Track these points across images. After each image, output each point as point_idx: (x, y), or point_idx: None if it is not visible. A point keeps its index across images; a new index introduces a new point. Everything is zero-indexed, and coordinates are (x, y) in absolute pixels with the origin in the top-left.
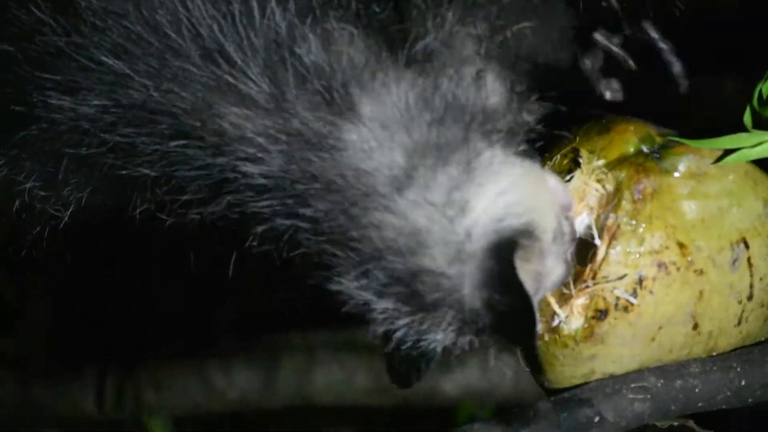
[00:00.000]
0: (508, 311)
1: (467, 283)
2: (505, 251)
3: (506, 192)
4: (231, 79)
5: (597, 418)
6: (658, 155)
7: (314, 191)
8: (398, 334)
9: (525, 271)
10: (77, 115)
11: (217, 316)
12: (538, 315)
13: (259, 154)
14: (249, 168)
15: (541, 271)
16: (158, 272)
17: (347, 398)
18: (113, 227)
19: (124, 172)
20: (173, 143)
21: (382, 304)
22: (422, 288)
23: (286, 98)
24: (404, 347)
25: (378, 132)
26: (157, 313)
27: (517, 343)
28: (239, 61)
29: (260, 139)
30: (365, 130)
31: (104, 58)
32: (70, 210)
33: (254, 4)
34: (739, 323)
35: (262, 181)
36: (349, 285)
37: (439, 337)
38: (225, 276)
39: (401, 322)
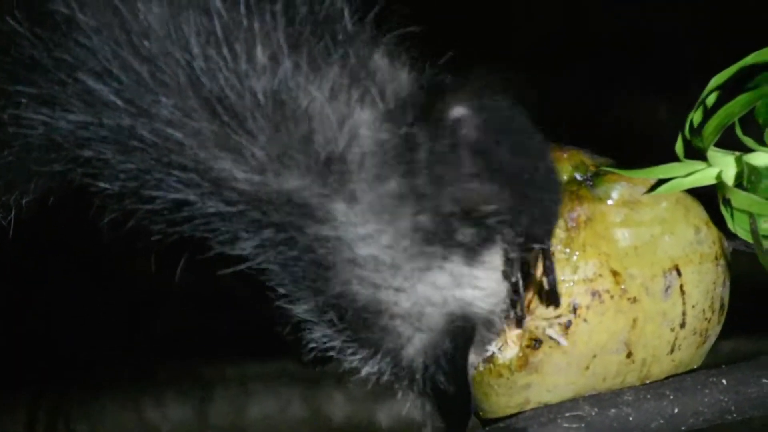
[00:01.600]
0: (447, 395)
1: (415, 345)
2: (463, 341)
3: (479, 281)
4: (229, 132)
5: None
6: (591, 183)
7: (294, 245)
8: (331, 353)
9: (471, 357)
10: (51, 128)
11: (149, 342)
12: (472, 409)
13: (242, 207)
14: (227, 209)
15: (482, 351)
16: (90, 296)
17: (282, 429)
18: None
19: (91, 185)
20: (155, 173)
21: (326, 330)
22: (370, 330)
23: (283, 161)
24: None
25: (368, 215)
26: (89, 341)
27: (448, 425)
28: (239, 112)
29: (248, 189)
30: (356, 210)
31: (89, 81)
32: (11, 215)
33: (258, 49)
34: (672, 351)
35: (241, 229)
36: (298, 310)
37: (365, 370)
38: (157, 300)
39: (335, 345)
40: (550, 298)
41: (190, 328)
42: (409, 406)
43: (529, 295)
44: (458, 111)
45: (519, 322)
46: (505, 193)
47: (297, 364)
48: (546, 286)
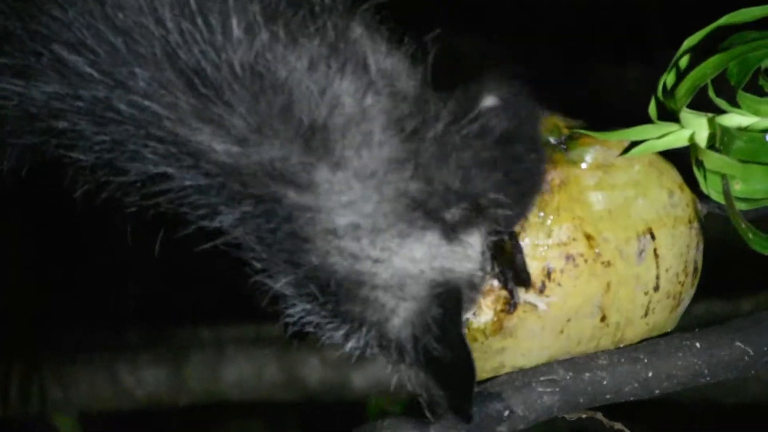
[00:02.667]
0: (444, 362)
1: (400, 316)
2: (451, 305)
3: (456, 252)
4: (207, 104)
5: (507, 412)
6: (565, 146)
7: (272, 217)
8: (309, 328)
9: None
10: (25, 99)
11: (123, 306)
12: (475, 375)
13: (221, 179)
14: (206, 182)
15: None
16: (66, 261)
17: (257, 393)
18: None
19: (66, 156)
20: (131, 144)
21: (306, 306)
22: (351, 303)
23: (263, 131)
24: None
25: (353, 181)
26: (63, 305)
27: (450, 393)
28: (216, 84)
29: (227, 161)
30: (339, 177)
31: (63, 53)
32: None
33: (234, 21)
34: (646, 314)
35: (220, 203)
36: (276, 285)
37: (350, 345)
38: (131, 263)
39: (314, 320)
40: (520, 279)
41: (165, 291)
42: (393, 375)
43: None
44: (492, 100)
45: (525, 282)
46: (506, 185)
47: (272, 328)
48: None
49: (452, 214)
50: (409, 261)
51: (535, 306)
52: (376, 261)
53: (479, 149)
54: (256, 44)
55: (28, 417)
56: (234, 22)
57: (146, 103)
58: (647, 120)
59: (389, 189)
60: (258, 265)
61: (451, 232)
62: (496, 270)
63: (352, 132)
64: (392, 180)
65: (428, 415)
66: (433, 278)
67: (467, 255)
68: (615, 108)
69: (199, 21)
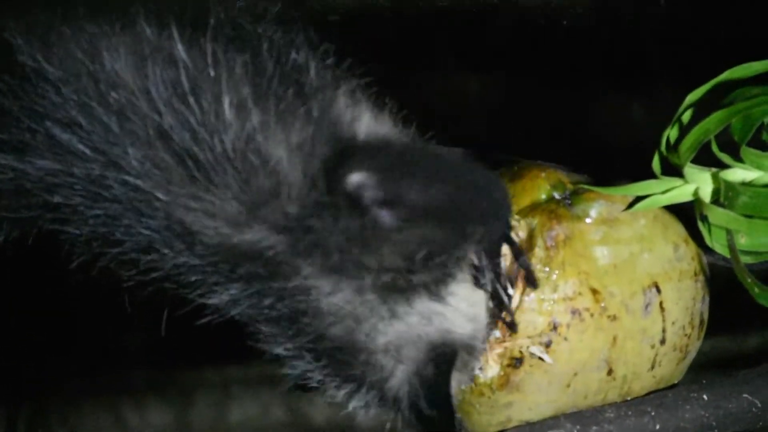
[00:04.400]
0: (431, 421)
1: (398, 377)
2: (444, 366)
3: (457, 305)
4: (199, 185)
5: None
6: (569, 201)
7: (264, 298)
8: (312, 384)
9: (454, 379)
10: (20, 174)
11: (127, 347)
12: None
13: (212, 259)
14: (197, 262)
15: (468, 373)
16: (67, 304)
17: None
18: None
19: (61, 230)
20: (124, 220)
21: (307, 366)
22: (351, 367)
23: (254, 215)
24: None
25: (327, 273)
26: (67, 349)
27: None
28: (209, 166)
29: (217, 242)
30: (316, 268)
31: (56, 131)
32: None
33: (226, 102)
34: (653, 367)
35: (212, 282)
36: (275, 351)
37: (352, 404)
38: (136, 306)
39: (316, 378)
40: (528, 280)
41: (170, 333)
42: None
43: (508, 313)
44: (354, 179)
45: (511, 327)
46: (442, 226)
47: (278, 369)
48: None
49: (418, 279)
50: (406, 327)
51: (541, 359)
52: (372, 332)
53: (379, 224)
54: (248, 125)
55: None
56: (226, 102)
57: (138, 182)
58: (651, 174)
59: (357, 283)
60: (259, 333)
61: (436, 290)
62: (500, 290)
63: (317, 227)
64: (354, 277)
65: None
66: (431, 340)
67: (461, 309)
68: (619, 149)
69: (192, 101)
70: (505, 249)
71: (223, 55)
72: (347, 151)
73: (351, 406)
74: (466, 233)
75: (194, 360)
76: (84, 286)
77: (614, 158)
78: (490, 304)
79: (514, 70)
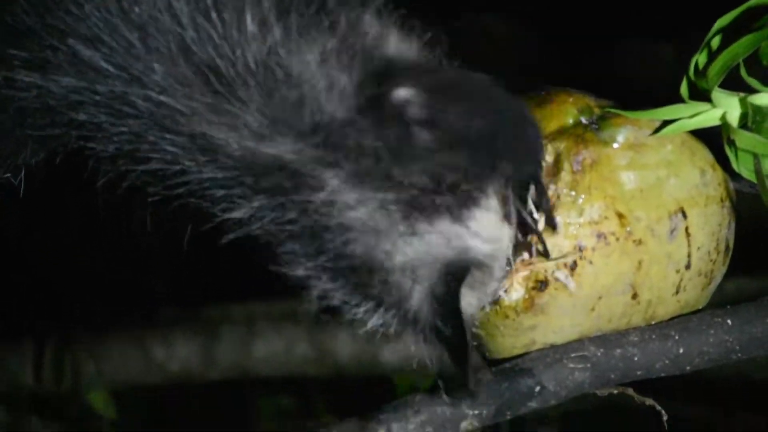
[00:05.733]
0: (445, 338)
1: (415, 297)
2: (454, 281)
3: (477, 228)
4: (222, 99)
5: (538, 388)
6: (596, 126)
7: (287, 211)
8: (334, 304)
9: (470, 296)
10: (44, 92)
11: (155, 284)
12: (471, 351)
13: (236, 173)
14: (222, 175)
15: (486, 292)
16: (97, 240)
17: (287, 369)
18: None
19: (87, 147)
20: (150, 136)
21: (327, 285)
22: (369, 286)
23: (277, 127)
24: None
25: (353, 184)
26: (95, 282)
27: (453, 365)
28: (231, 80)
29: (241, 155)
30: (343, 178)
31: (79, 47)
32: (21, 175)
33: (248, 16)
34: (678, 292)
35: (236, 195)
36: (299, 270)
37: (371, 322)
38: (163, 243)
39: (336, 298)
40: (548, 223)
41: (195, 268)
42: (414, 348)
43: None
44: (401, 93)
45: (545, 254)
46: (473, 154)
47: (303, 304)
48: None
49: (444, 201)
50: (425, 246)
51: (565, 285)
52: (391, 250)
53: (415, 142)
54: (270, 39)
55: (61, 394)
56: (248, 17)
57: (162, 98)
58: (679, 99)
59: (383, 195)
60: (279, 251)
61: (459, 215)
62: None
63: (346, 136)
64: (381, 187)
65: (443, 391)
66: (446, 259)
67: (480, 233)
68: (646, 86)
69: (214, 16)
70: None
71: None
72: (397, 65)
73: (370, 324)
74: (497, 167)
75: (219, 296)
76: (112, 220)
77: (643, 92)
78: (516, 233)
79: (542, 10)
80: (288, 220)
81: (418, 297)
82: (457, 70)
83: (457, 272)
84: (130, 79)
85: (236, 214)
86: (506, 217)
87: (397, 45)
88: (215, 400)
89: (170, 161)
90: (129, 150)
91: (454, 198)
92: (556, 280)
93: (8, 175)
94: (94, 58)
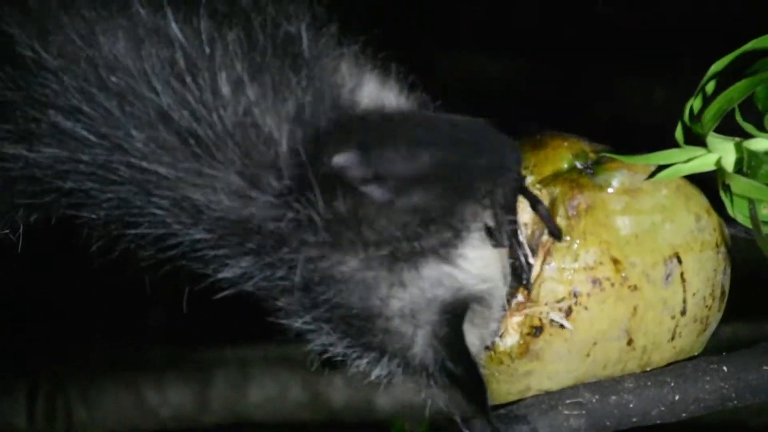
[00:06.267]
0: (458, 378)
1: (419, 342)
2: (455, 319)
3: (468, 265)
4: (202, 162)
5: None
6: (591, 171)
7: (277, 269)
8: (335, 357)
9: (473, 335)
10: (30, 163)
11: (148, 324)
12: (485, 384)
13: (221, 233)
14: (209, 236)
15: (487, 332)
16: (90, 284)
17: (281, 413)
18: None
19: (77, 215)
20: (137, 202)
21: (327, 338)
22: (370, 335)
23: (258, 186)
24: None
25: (334, 245)
26: (88, 325)
27: (470, 405)
28: (210, 142)
29: (224, 217)
30: (323, 239)
31: (59, 119)
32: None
33: (222, 78)
34: (673, 338)
35: (225, 256)
36: (294, 324)
37: (375, 373)
38: (156, 283)
39: (339, 351)
40: (550, 232)
41: (190, 311)
42: (424, 393)
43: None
44: (337, 160)
45: (527, 286)
46: (437, 189)
47: (297, 349)
48: (539, 221)
49: (424, 244)
50: (419, 290)
51: (560, 326)
52: (386, 297)
53: (371, 199)
54: (244, 100)
55: None
56: (222, 79)
57: (144, 164)
58: (673, 143)
59: (362, 254)
60: (276, 305)
61: (444, 255)
62: (519, 250)
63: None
64: (356, 249)
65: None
66: (443, 300)
67: (470, 270)
68: (641, 130)
69: (189, 80)
70: (527, 218)
71: (217, 32)
72: (330, 130)
73: (374, 375)
74: (471, 189)
75: (214, 339)
76: (104, 264)
77: (636, 135)
78: (508, 267)
79: (535, 50)
80: (278, 277)
81: (421, 342)
82: (403, 113)
83: (456, 310)
84: (112, 146)
85: (227, 274)
86: (497, 244)
87: (375, 93)
88: None
89: (159, 225)
90: (118, 215)
91: (435, 239)
92: (551, 324)
93: (7, 231)
94: (75, 128)
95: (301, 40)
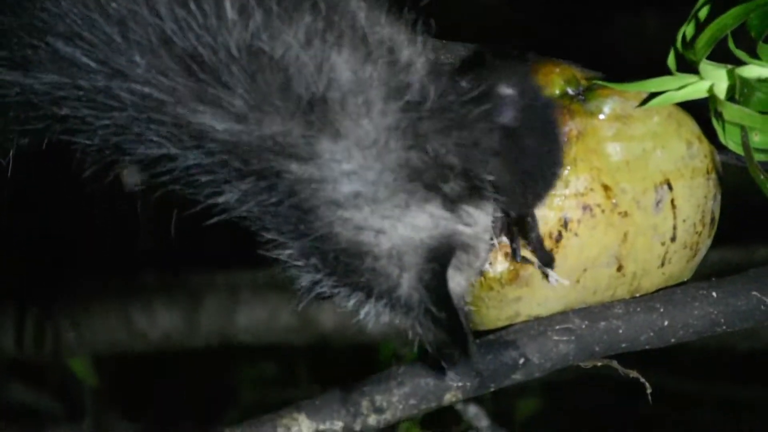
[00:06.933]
0: (441, 321)
1: (404, 285)
2: (438, 267)
3: (467, 218)
4: (206, 86)
5: (522, 360)
6: (583, 98)
7: (275, 191)
8: (321, 292)
9: (459, 277)
10: (26, 89)
11: (137, 251)
12: (468, 330)
13: (223, 156)
14: (208, 160)
15: (473, 271)
16: (79, 208)
17: (270, 337)
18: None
19: (72, 141)
20: (134, 128)
21: (315, 275)
22: (357, 274)
23: (263, 108)
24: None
25: (354, 150)
26: (76, 249)
27: (452, 347)
28: (214, 67)
29: (229, 139)
30: (341, 146)
31: (59, 45)
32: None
33: (227, 3)
34: (663, 264)
35: (223, 180)
36: (283, 256)
37: (362, 313)
38: (146, 208)
39: (325, 289)
40: (540, 259)
41: (179, 236)
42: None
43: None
44: (506, 88)
45: (513, 255)
46: (512, 173)
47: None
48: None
49: (451, 188)
50: (412, 230)
51: (545, 274)
52: (379, 231)
53: (483, 132)
54: (251, 25)
55: (43, 361)
56: (227, 4)
57: (146, 89)
58: (666, 71)
59: (390, 158)
60: (265, 236)
61: (453, 204)
62: (506, 239)
63: (351, 103)
64: (392, 149)
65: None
66: (430, 245)
67: (469, 224)
68: (633, 57)
69: (193, 6)
70: None
71: None
72: (507, 62)
73: (361, 314)
74: (524, 190)
75: (203, 264)
76: (95, 190)
77: (629, 63)
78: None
79: None
80: (275, 202)
81: (407, 285)
82: (548, 101)
83: (442, 257)
84: (113, 73)
85: (222, 199)
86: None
87: (385, 24)
88: (197, 368)
89: (155, 150)
90: (114, 142)
91: (462, 187)
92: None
93: None
94: (75, 55)
95: None
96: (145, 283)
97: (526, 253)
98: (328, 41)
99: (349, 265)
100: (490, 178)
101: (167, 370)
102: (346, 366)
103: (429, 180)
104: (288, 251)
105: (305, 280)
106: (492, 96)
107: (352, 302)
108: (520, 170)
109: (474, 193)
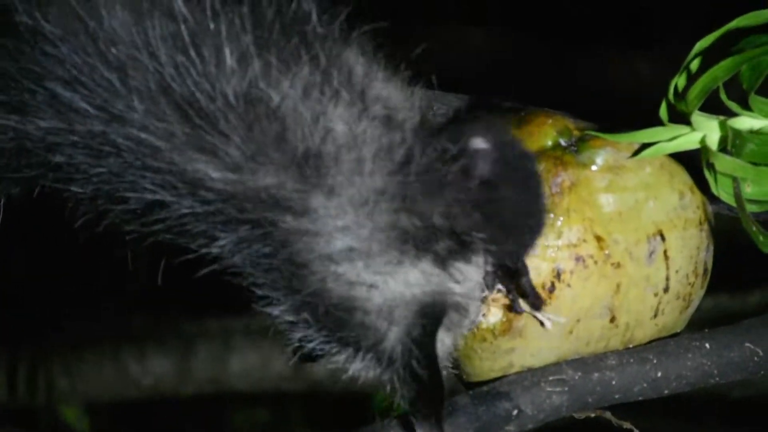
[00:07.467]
0: (420, 378)
1: (390, 339)
2: (429, 325)
3: (458, 276)
4: (203, 133)
5: (515, 411)
6: (575, 148)
7: (269, 242)
8: (312, 348)
9: (445, 335)
10: (20, 134)
11: (129, 294)
12: (443, 391)
13: (218, 205)
14: (203, 209)
15: (460, 331)
16: (72, 254)
17: (263, 384)
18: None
19: (64, 190)
20: (128, 176)
21: (304, 332)
22: (347, 329)
23: (258, 159)
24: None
25: (347, 207)
26: (70, 296)
27: (426, 407)
28: (211, 115)
29: (224, 188)
30: (334, 202)
31: (58, 89)
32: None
33: (226, 52)
34: (656, 315)
35: (217, 229)
36: (275, 312)
37: (353, 368)
38: (138, 254)
39: (315, 345)
40: (531, 299)
41: (173, 282)
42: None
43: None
44: (479, 143)
45: (513, 306)
46: (496, 224)
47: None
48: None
49: (441, 247)
50: (404, 285)
51: (540, 321)
52: (371, 286)
53: (463, 189)
54: (249, 74)
55: (35, 407)
56: (227, 52)
57: (142, 135)
58: (657, 120)
59: (380, 218)
60: (258, 292)
61: (444, 262)
62: (501, 288)
63: (344, 158)
64: (383, 210)
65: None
66: (422, 300)
67: (460, 281)
68: (625, 106)
69: (192, 53)
70: None
71: (221, 8)
72: (479, 116)
73: (352, 370)
74: (511, 241)
75: (196, 309)
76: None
77: (620, 111)
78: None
79: (519, 24)
80: (268, 253)
81: (393, 337)
82: (524, 151)
83: (434, 314)
84: (110, 118)
85: (215, 249)
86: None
87: (381, 80)
88: (190, 415)
89: (148, 198)
90: (107, 190)
91: (451, 245)
92: (534, 316)
93: None
94: (73, 99)
95: (311, 19)
96: (137, 329)
97: (523, 304)
98: (325, 94)
99: (339, 319)
100: (479, 235)
101: (160, 417)
102: (339, 412)
103: (419, 241)
104: (280, 307)
105: (297, 335)
106: (467, 151)
107: (342, 357)
108: (501, 221)
109: (464, 249)
